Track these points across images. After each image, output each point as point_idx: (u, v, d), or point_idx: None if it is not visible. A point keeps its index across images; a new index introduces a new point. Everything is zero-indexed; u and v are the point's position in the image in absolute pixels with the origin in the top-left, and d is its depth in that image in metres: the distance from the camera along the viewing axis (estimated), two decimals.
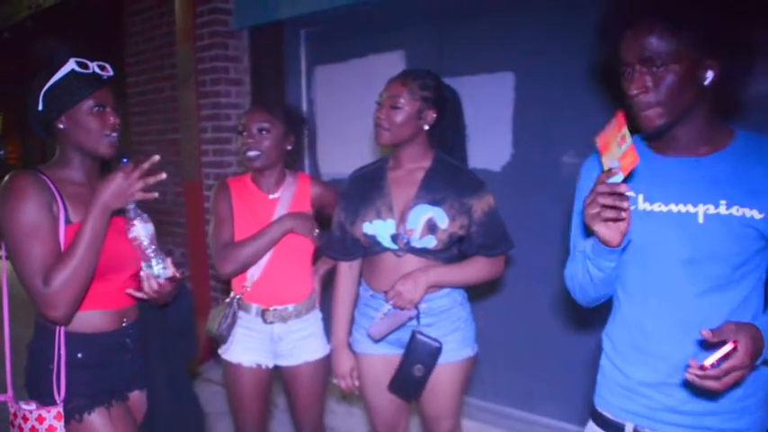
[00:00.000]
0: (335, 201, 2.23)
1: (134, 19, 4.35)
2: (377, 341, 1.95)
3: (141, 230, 1.54)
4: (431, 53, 2.95)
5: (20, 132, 7.13)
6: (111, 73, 1.62)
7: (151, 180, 1.53)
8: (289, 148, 2.16)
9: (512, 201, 2.16)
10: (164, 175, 1.55)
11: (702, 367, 1.07)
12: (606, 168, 1.18)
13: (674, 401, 1.27)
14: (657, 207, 1.26)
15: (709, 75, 1.18)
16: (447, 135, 1.99)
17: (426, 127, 1.91)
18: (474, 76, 2.83)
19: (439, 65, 2.83)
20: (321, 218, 2.25)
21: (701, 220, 1.21)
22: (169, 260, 1.60)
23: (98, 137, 1.57)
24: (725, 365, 1.07)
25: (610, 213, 1.16)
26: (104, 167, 1.73)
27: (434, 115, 1.90)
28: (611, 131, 1.19)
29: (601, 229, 1.19)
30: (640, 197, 1.29)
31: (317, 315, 2.25)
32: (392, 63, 3.04)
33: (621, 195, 1.14)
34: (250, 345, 2.14)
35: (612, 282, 1.37)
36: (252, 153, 2.07)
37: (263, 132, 2.08)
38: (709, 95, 1.21)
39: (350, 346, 2.08)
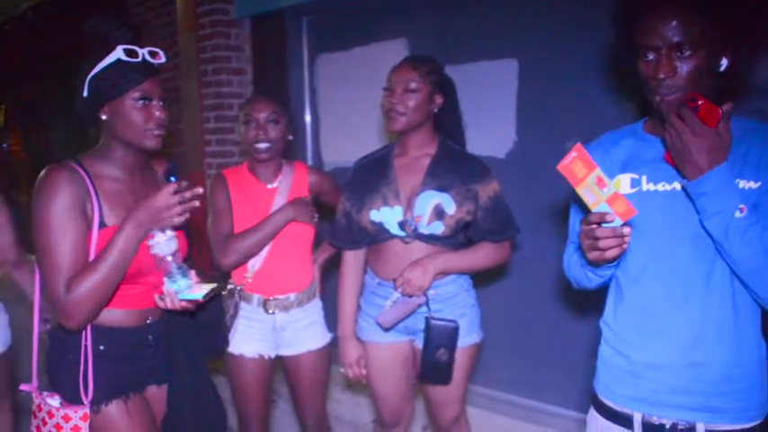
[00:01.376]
0: (332, 188, 2.25)
1: (135, 9, 4.34)
2: (387, 329, 1.95)
3: (164, 246, 1.48)
4: (434, 40, 2.94)
5: (22, 125, 7.11)
6: (163, 60, 1.55)
7: (190, 207, 1.47)
8: (290, 138, 2.16)
9: (516, 188, 2.15)
10: (197, 204, 1.49)
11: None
12: (587, 201, 1.20)
13: (683, 381, 1.27)
14: (662, 187, 1.28)
15: (724, 62, 1.21)
16: (448, 121, 1.99)
17: (435, 111, 1.91)
18: (477, 64, 2.82)
19: (442, 52, 2.81)
20: (318, 205, 2.25)
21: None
22: (192, 274, 1.54)
23: (141, 131, 1.50)
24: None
25: (614, 252, 1.19)
26: (147, 163, 1.68)
27: (441, 99, 1.91)
28: (577, 164, 1.20)
29: (597, 256, 1.22)
30: (644, 178, 1.31)
31: (317, 303, 2.26)
32: (395, 51, 3.02)
33: (624, 236, 1.17)
34: (252, 335, 2.14)
35: (610, 276, 1.41)
36: (262, 145, 2.06)
37: (271, 123, 2.07)
38: (722, 82, 1.23)
39: (356, 334, 2.09)
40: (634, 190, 1.31)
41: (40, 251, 1.43)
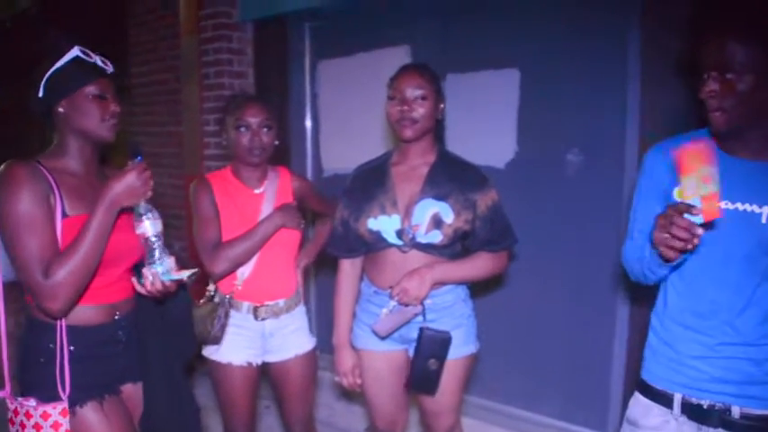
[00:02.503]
0: (313, 193, 2.26)
1: (138, 10, 4.34)
2: (383, 338, 1.94)
3: (150, 227, 1.51)
4: (436, 48, 2.94)
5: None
6: (112, 69, 1.62)
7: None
8: (276, 143, 2.14)
9: (515, 198, 2.15)
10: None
11: None
12: (682, 193, 1.26)
13: (719, 372, 1.40)
14: (724, 205, 1.35)
15: None
16: (440, 128, 1.99)
17: (439, 118, 1.91)
18: (479, 72, 2.82)
19: (444, 60, 2.82)
20: (300, 210, 2.23)
21: (764, 220, 1.34)
22: (173, 259, 1.56)
23: (98, 121, 1.57)
24: None
25: (678, 244, 1.26)
26: (103, 160, 1.71)
27: (443, 106, 1.91)
28: (695, 157, 1.25)
29: (665, 251, 1.30)
30: None
31: (302, 308, 2.25)
32: (397, 58, 3.01)
33: (695, 236, 1.24)
34: (240, 343, 2.11)
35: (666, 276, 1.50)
36: (258, 150, 2.05)
37: (265, 129, 2.06)
38: None
39: (351, 342, 2.07)
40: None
41: (11, 243, 1.46)
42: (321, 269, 3.40)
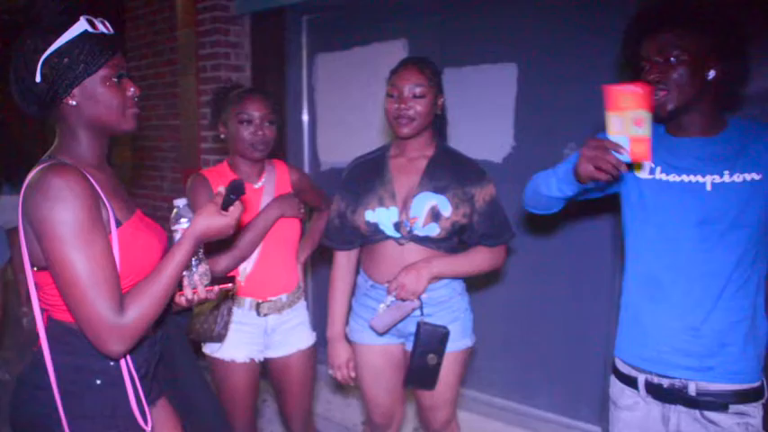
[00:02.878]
0: (309, 186, 2.23)
1: (135, 3, 4.31)
2: (380, 334, 1.93)
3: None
4: (434, 42, 2.93)
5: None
6: (113, 31, 1.34)
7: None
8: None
9: (512, 193, 2.14)
10: None
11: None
12: (610, 127, 1.37)
13: (682, 344, 1.49)
14: (672, 178, 1.51)
15: (712, 73, 1.44)
16: (440, 121, 1.98)
17: (438, 113, 1.91)
18: (477, 67, 2.81)
19: (442, 54, 2.81)
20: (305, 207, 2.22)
21: (708, 188, 1.46)
22: (207, 266, 1.44)
23: (120, 111, 1.31)
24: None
25: (604, 177, 1.38)
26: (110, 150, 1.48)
27: (442, 100, 1.90)
28: (631, 98, 1.32)
29: (586, 168, 1.40)
30: (658, 169, 1.53)
31: (303, 304, 2.24)
32: (394, 52, 3.01)
33: (620, 171, 1.37)
34: (242, 339, 2.09)
35: (556, 206, 1.68)
36: (261, 145, 2.02)
37: (267, 123, 2.03)
38: (711, 90, 1.46)
39: (347, 336, 2.08)
40: (650, 176, 1.54)
41: (67, 266, 1.18)
42: (315, 262, 3.40)
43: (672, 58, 1.42)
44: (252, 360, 2.12)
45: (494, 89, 2.76)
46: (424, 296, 1.87)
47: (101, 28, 1.29)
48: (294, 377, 2.19)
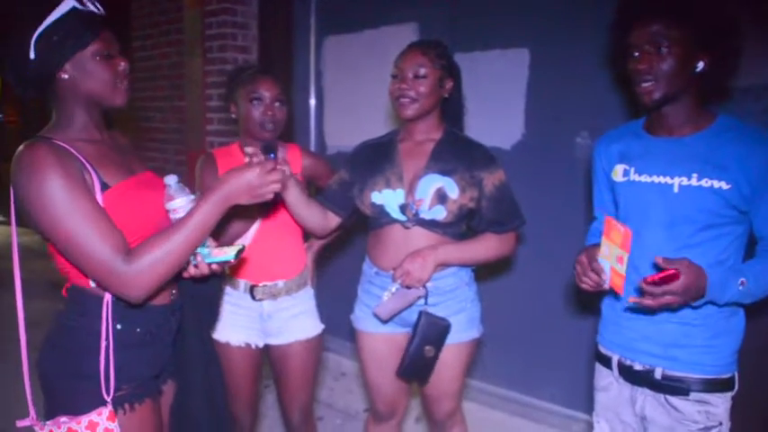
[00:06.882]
0: (326, 171, 2.18)
1: None
2: (384, 322, 1.90)
3: (187, 209, 1.38)
4: (444, 26, 2.88)
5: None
6: (103, 11, 1.39)
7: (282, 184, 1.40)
8: None
9: (521, 181, 2.10)
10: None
11: (645, 280, 1.32)
12: (602, 251, 1.46)
13: (649, 332, 1.54)
14: (644, 178, 1.53)
15: (700, 65, 1.44)
16: (451, 107, 1.94)
17: (446, 96, 1.87)
18: (487, 52, 2.76)
19: (452, 39, 2.76)
20: (311, 189, 2.17)
21: (676, 189, 1.47)
22: (211, 239, 1.43)
23: (111, 85, 1.36)
24: (664, 287, 1.30)
25: (588, 288, 1.53)
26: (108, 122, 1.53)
27: (452, 84, 1.87)
28: (618, 235, 1.38)
29: (578, 280, 1.55)
30: (632, 169, 1.56)
31: (308, 292, 2.18)
32: (404, 35, 2.96)
33: (601, 287, 1.49)
34: (238, 322, 2.07)
35: None
36: (270, 124, 1.98)
37: (278, 103, 2.01)
38: (698, 82, 1.46)
39: (352, 323, 2.05)
40: (625, 179, 1.57)
41: (62, 234, 1.24)
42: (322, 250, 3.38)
43: (662, 48, 1.42)
44: (248, 345, 2.08)
45: (505, 75, 2.72)
46: (429, 285, 1.83)
47: (89, 6, 1.34)
48: (292, 367, 2.13)
